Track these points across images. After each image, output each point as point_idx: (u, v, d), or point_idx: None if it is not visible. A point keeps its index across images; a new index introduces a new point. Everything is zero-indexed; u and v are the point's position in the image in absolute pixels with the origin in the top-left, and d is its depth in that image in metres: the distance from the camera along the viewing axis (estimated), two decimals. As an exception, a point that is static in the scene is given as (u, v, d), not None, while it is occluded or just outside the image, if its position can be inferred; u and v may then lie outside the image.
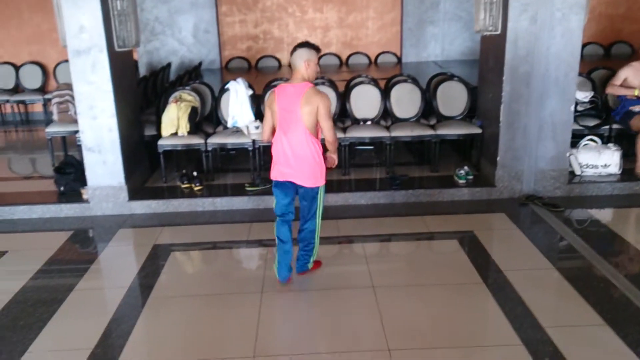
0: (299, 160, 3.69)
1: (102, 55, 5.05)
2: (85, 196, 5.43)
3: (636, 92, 5.79)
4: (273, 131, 3.84)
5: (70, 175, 5.61)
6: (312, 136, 3.67)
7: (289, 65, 9.89)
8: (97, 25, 4.97)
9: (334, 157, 3.92)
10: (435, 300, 3.75)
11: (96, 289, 4.15)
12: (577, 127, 5.69)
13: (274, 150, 3.80)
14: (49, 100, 7.32)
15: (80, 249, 4.86)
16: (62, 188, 5.62)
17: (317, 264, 4.13)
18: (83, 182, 5.43)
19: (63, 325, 3.60)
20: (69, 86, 5.95)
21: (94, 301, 3.94)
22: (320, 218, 3.90)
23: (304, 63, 3.61)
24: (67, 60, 5.19)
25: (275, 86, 6.06)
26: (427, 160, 6.20)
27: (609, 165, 5.63)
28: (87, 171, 5.34)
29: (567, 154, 5.46)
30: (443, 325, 3.46)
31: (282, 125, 3.69)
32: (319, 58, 3.75)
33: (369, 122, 6.07)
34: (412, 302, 3.72)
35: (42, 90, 9.12)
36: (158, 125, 5.86)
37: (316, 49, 3.66)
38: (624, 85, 5.90)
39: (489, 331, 3.48)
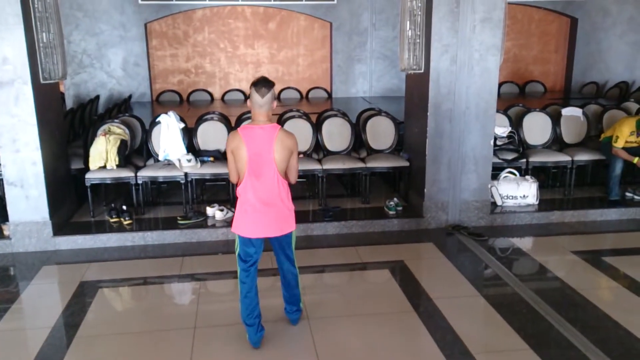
0: (270, 207, 3.45)
1: (27, 88, 4.91)
2: (6, 232, 5.19)
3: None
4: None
5: (-11, 210, 5.35)
6: (283, 180, 3.48)
7: (222, 99, 9.90)
8: (22, 56, 4.84)
9: None
10: (369, 330, 3.82)
11: (17, 330, 3.93)
12: (496, 160, 6.03)
13: (241, 199, 3.48)
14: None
15: (0, 288, 4.62)
16: (-21, 224, 5.34)
17: None
18: (4, 218, 5.20)
19: (-20, 370, 3.40)
20: (-11, 118, 5.70)
21: (15, 343, 3.73)
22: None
23: (273, 104, 3.40)
24: (-13, 92, 4.99)
25: (210, 121, 6.14)
26: (358, 192, 6.36)
27: (527, 197, 5.99)
28: (9, 206, 5.12)
29: (489, 186, 5.77)
30: (377, 355, 3.53)
31: (253, 170, 3.39)
32: None
33: (301, 155, 6.17)
34: (346, 333, 3.78)
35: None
36: (85, 158, 5.71)
37: (273, 84, 3.44)
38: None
39: (422, 359, 3.57)
